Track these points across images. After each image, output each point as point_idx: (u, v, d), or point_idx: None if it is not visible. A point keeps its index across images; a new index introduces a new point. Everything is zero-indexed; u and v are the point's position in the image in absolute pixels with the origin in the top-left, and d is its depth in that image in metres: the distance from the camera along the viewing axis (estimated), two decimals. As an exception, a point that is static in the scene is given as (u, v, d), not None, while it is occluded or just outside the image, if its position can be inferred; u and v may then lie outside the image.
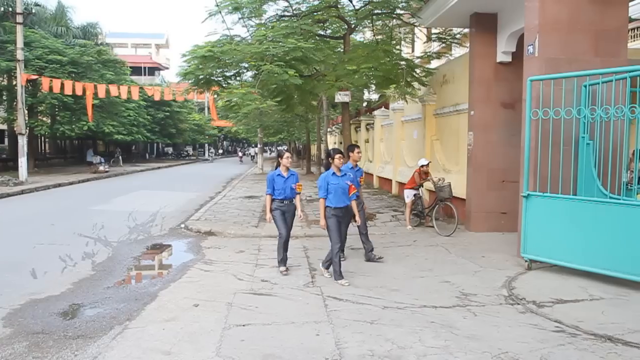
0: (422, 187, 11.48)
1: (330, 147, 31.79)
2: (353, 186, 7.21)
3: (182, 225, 11.18)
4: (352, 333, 4.82)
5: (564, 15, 7.94)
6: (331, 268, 6.85)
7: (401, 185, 16.11)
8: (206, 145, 70.49)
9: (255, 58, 10.24)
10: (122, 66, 33.76)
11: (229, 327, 5.01)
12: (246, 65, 11.23)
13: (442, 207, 11.08)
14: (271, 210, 7.27)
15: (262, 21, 12.72)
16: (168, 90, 27.44)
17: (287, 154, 7.41)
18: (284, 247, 7.26)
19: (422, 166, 11.25)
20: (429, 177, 11.30)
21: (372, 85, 15.16)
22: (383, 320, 5.18)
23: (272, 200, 7.23)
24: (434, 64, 18.60)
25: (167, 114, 44.48)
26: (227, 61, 10.83)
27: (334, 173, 6.80)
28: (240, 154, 58.12)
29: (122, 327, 4.98)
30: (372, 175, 22.32)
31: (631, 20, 14.96)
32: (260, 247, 8.97)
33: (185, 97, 34.26)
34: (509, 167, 10.43)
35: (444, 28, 14.80)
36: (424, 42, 20.99)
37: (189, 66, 10.82)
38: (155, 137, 45.24)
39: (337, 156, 6.81)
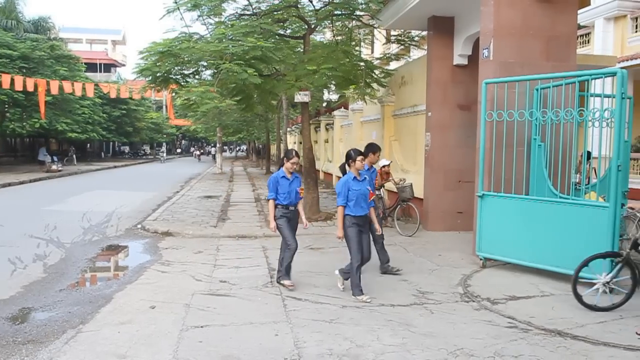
0: (383, 187, 11.59)
1: (290, 147, 31.93)
2: (372, 192, 6.78)
3: (139, 226, 10.97)
4: (311, 332, 4.84)
5: (517, 20, 8.15)
6: (344, 280, 6.24)
7: None
8: (164, 144, 69.09)
9: (214, 56, 10.12)
10: (76, 62, 32.79)
11: (187, 328, 4.94)
12: (205, 64, 11.08)
13: (403, 208, 11.23)
14: (276, 218, 6.47)
15: (222, 19, 12.59)
16: (124, 88, 26.77)
17: (295, 158, 6.51)
18: (291, 259, 6.50)
19: (384, 167, 11.35)
20: (390, 178, 11.43)
21: (332, 86, 15.13)
22: (342, 319, 5.21)
23: (276, 206, 6.47)
24: (393, 65, 18.84)
25: (124, 112, 43.45)
26: (185, 59, 10.67)
27: (354, 177, 6.08)
28: (197, 152, 56.55)
29: (75, 331, 4.85)
30: (331, 175, 22.39)
31: (580, 27, 15.54)
32: (219, 248, 8.84)
33: (142, 95, 33.67)
34: (465, 167, 10.62)
35: (402, 30, 14.93)
36: (383, 44, 21.20)
37: (146, 63, 10.60)
38: (111, 135, 44.17)
39: (359, 158, 6.13)
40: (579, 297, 5.87)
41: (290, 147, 29.71)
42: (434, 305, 5.73)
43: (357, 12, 13.38)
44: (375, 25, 13.48)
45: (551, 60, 8.43)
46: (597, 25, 17.11)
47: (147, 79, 11.32)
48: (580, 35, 16.98)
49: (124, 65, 72.43)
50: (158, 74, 10.93)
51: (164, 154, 49.37)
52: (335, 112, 21.87)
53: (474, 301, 5.87)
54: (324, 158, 25.25)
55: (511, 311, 5.48)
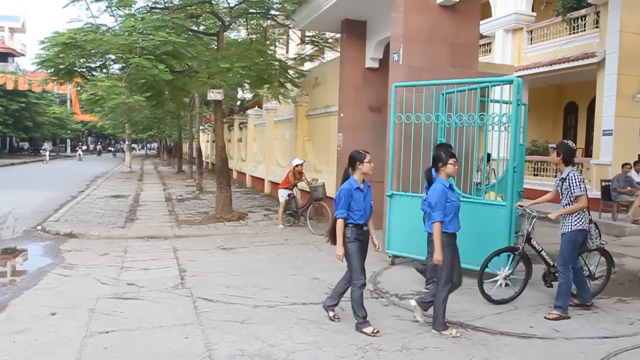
0: (296, 187, 11.68)
1: (203, 145, 31.17)
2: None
3: (39, 227, 10.30)
4: (222, 334, 4.77)
5: (425, 27, 8.43)
6: (424, 311, 5.23)
7: (274, 184, 16.13)
8: (68, 140, 64.86)
9: (123, 50, 9.70)
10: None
11: (91, 335, 4.70)
12: (113, 57, 10.59)
13: (316, 207, 11.37)
14: (346, 242, 5.12)
15: (132, 12, 12.05)
16: (23, 79, 25.20)
17: (369, 157, 5.37)
18: (362, 298, 5.01)
19: (297, 166, 11.43)
20: (303, 177, 11.52)
21: (246, 85, 14.95)
22: (254, 320, 5.18)
23: (346, 225, 5.13)
24: (307, 66, 18.80)
25: (23, 105, 40.51)
26: (91, 51, 10.15)
27: (450, 186, 5.13)
28: (79, 151, 50.26)
29: (-37, 343, 4.56)
30: (244, 174, 22.18)
31: (482, 36, 16.36)
32: (127, 249, 8.41)
33: (43, 88, 31.58)
34: (376, 168, 10.87)
35: (317, 32, 14.99)
36: (298, 44, 21.20)
37: (48, 54, 9.98)
38: (8, 130, 41.08)
39: (451, 161, 5.14)
40: (483, 292, 6.06)
41: (202, 146, 28.64)
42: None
43: (272, 12, 13.29)
44: (290, 26, 13.45)
45: (456, 66, 8.72)
46: (498, 36, 18.07)
47: (48, 71, 10.70)
48: (483, 45, 17.99)
49: (23, 55, 67.31)
50: (61, 66, 10.34)
51: (47, 152, 45.11)
52: (249, 111, 21.74)
53: (383, 297, 6.04)
54: (237, 157, 24.91)
55: None
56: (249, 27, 14.18)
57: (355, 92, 11.43)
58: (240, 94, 25.17)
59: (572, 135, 19.12)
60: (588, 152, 16.40)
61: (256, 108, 21.08)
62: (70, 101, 48.85)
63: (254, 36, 14.41)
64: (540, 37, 17.33)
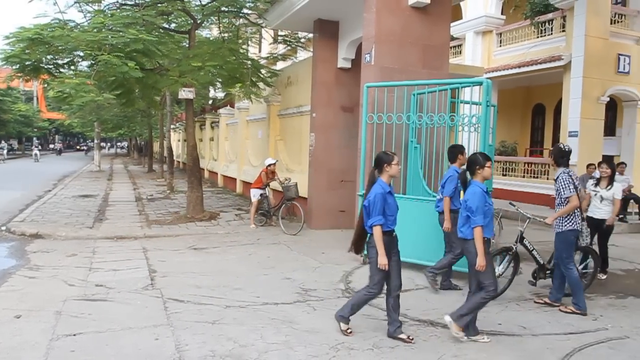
0: (269, 186, 11.62)
1: (174, 144, 30.64)
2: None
3: (3, 228, 10.01)
4: (193, 335, 4.72)
5: (397, 28, 8.48)
6: (462, 326, 4.87)
7: (246, 184, 16.04)
8: (35, 139, 62.85)
9: (92, 47, 9.48)
10: None
11: (57, 338, 4.59)
12: (81, 54, 10.34)
13: (288, 207, 11.32)
14: (381, 252, 4.72)
15: (101, 8, 11.82)
16: (-13, 76, 24.42)
17: (397, 158, 5.01)
18: (365, 304, 4.90)
19: (269, 165, 11.36)
20: (275, 177, 11.47)
21: (218, 83, 14.75)
22: (225, 320, 5.14)
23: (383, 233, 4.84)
24: (280, 65, 18.64)
25: (-13, 102, 39.82)
26: (59, 47, 9.89)
27: (486, 190, 4.96)
28: (35, 150, 44.08)
29: None
30: (216, 174, 21.97)
31: (453, 38, 16.48)
32: (96, 250, 8.24)
33: (8, 84, 30.71)
34: (348, 167, 10.84)
35: (289, 31, 14.89)
36: (270, 44, 21.04)
37: (14, 50, 9.66)
38: (-30, 128, 40.39)
39: (488, 164, 4.98)
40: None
41: (173, 145, 28.27)
42: (316, 302, 5.81)
43: (245, 11, 13.14)
44: (262, 25, 13.32)
45: (427, 67, 8.76)
46: (468, 38, 18.33)
47: (14, 67, 10.38)
48: (453, 47, 18.23)
49: (-14, 51, 65.68)
50: (27, 63, 10.05)
51: (4, 151, 41.79)
52: (221, 110, 21.46)
53: None
54: (209, 156, 24.64)
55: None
56: (221, 25, 14.01)
57: (327, 92, 11.41)
58: (212, 93, 24.79)
59: (540, 136, 19.37)
60: (555, 153, 16.83)
61: (228, 107, 20.81)
62: (37, 98, 47.58)
63: (226, 35, 14.24)
64: (510, 40, 17.51)
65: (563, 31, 15.24)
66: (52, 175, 25.62)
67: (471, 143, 7.33)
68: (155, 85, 11.50)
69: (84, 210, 12.74)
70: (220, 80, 13.04)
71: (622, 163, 13.22)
